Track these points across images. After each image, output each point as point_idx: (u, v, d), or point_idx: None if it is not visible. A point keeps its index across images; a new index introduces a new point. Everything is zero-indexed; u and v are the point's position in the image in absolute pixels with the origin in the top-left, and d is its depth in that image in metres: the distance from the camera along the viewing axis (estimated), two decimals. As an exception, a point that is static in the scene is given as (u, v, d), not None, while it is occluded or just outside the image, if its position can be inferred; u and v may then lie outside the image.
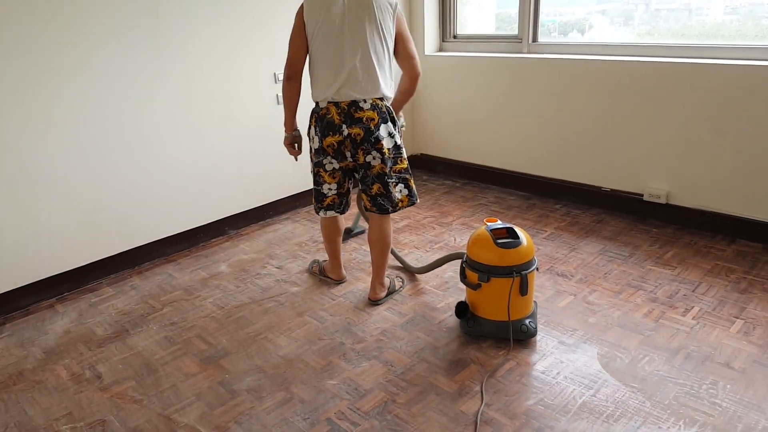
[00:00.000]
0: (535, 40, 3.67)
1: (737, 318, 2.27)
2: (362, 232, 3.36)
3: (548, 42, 3.61)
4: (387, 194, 2.36)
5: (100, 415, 1.99)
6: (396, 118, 2.35)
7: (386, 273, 2.68)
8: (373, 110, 2.24)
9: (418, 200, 2.61)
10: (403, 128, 2.54)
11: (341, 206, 2.50)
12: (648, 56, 3.10)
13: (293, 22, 2.25)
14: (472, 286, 2.22)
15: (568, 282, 2.65)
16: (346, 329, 2.40)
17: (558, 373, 2.04)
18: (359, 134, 2.24)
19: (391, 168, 2.35)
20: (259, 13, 3.25)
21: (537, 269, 2.26)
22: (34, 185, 2.62)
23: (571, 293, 2.56)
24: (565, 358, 2.12)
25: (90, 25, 2.63)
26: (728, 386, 1.91)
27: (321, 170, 2.37)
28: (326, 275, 2.79)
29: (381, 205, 2.39)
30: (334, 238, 2.65)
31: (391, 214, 2.45)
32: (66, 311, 2.69)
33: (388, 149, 2.31)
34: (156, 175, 3.04)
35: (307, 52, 2.25)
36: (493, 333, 2.24)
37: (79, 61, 2.64)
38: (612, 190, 3.36)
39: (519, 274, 2.13)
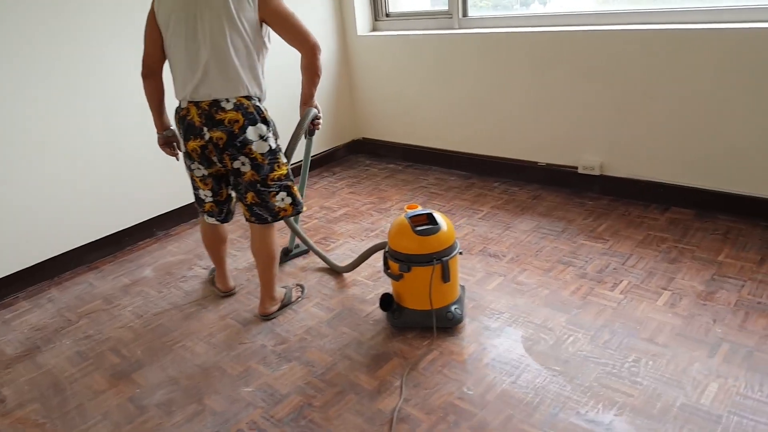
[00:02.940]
0: (465, 14, 3.55)
1: (665, 289, 2.23)
2: (305, 252, 2.87)
3: (478, 16, 3.50)
4: (263, 203, 2.14)
5: (-4, 444, 1.86)
6: (269, 119, 2.10)
7: (282, 284, 2.54)
8: (237, 111, 2.00)
9: (304, 208, 2.35)
10: (319, 120, 2.32)
11: (222, 215, 2.28)
12: (573, 25, 3.02)
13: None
14: (394, 277, 2.13)
15: (499, 262, 2.58)
16: (270, 330, 2.29)
17: (480, 360, 1.97)
18: (221, 138, 2.00)
19: (267, 176, 2.10)
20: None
21: (461, 253, 2.18)
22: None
23: (501, 274, 2.48)
24: (488, 344, 2.05)
25: None
26: (650, 363, 1.86)
27: (193, 175, 2.18)
28: (215, 285, 2.60)
29: (259, 215, 2.17)
30: (214, 245, 2.44)
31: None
32: (-26, 332, 2.52)
33: (261, 155, 2.06)
34: (75, 176, 2.86)
35: (163, 47, 2.04)
36: (419, 323, 2.16)
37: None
38: (548, 164, 3.29)
39: (439, 261, 2.05)
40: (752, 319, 2.00)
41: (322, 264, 2.76)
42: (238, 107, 2.01)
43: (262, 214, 2.18)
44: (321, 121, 2.35)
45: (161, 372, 2.12)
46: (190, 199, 3.37)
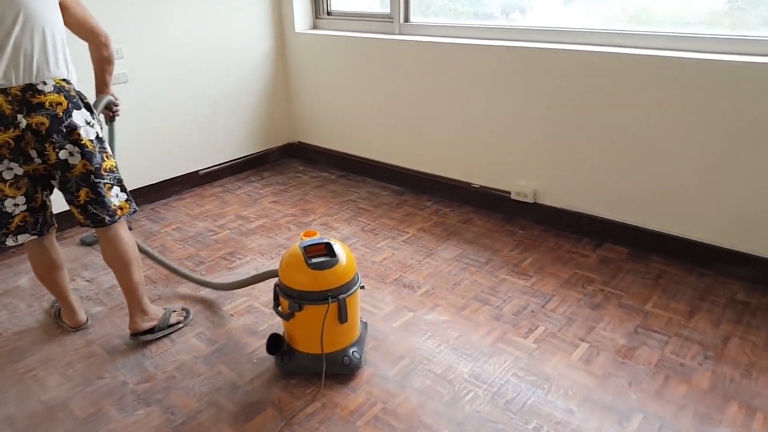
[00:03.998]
0: (407, 19, 3.30)
1: (582, 341, 2.01)
2: (95, 242, 2.79)
3: (421, 23, 3.25)
4: (99, 199, 1.87)
5: None
6: (91, 106, 1.89)
7: (168, 305, 2.27)
8: (59, 93, 1.76)
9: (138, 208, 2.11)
10: (118, 107, 2.16)
11: (38, 226, 1.91)
12: (518, 41, 2.80)
13: None
14: (283, 316, 1.85)
15: (411, 295, 2.33)
16: (137, 363, 1.99)
17: (364, 417, 1.71)
18: (43, 123, 1.73)
19: (99, 165, 1.86)
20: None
21: (362, 287, 1.93)
22: None
23: (412, 309, 2.24)
24: (379, 396, 1.79)
25: None
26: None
27: None
28: (62, 320, 2.22)
29: (95, 215, 1.88)
30: (49, 274, 2.05)
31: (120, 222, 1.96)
32: None
33: (90, 141, 1.82)
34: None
35: None
36: (312, 368, 1.87)
37: None
38: (482, 187, 3.07)
39: (335, 299, 1.78)
40: (672, 385, 1.80)
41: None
42: (59, 89, 1.77)
43: (99, 214, 1.88)
44: (119, 107, 2.18)
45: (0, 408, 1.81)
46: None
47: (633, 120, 2.44)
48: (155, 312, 2.11)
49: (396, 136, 3.39)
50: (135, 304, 2.05)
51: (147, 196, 3.29)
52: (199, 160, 3.51)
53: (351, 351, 1.89)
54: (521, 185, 2.88)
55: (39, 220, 1.91)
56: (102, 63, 1.98)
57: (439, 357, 1.96)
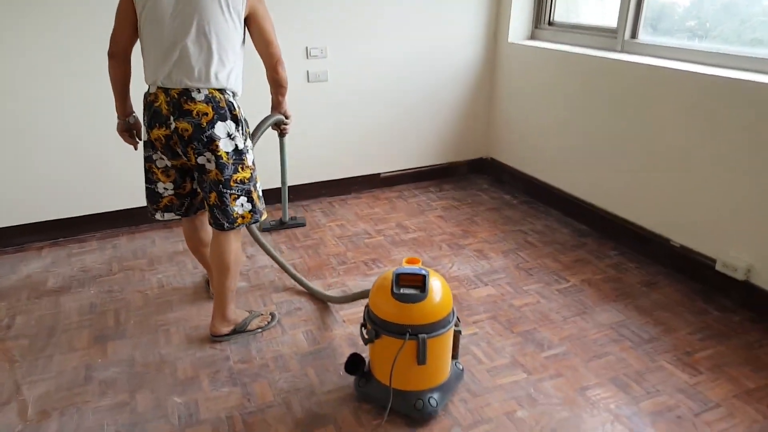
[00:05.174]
0: (633, 36, 2.83)
1: (740, 483, 1.44)
2: (302, 224, 3.10)
3: (650, 42, 2.74)
4: (223, 207, 1.94)
5: (-33, 366, 1.99)
6: (241, 118, 1.92)
7: (257, 308, 2.31)
8: (208, 104, 1.83)
9: (263, 217, 2.08)
10: (286, 126, 2.32)
11: (183, 208, 2.10)
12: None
13: None
14: (364, 339, 1.75)
15: (536, 355, 1.97)
16: (246, 343, 2.09)
17: (415, 477, 1.49)
18: (187, 130, 1.83)
19: (230, 177, 1.92)
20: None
21: (460, 332, 1.71)
22: (36, 138, 2.73)
23: (528, 370, 1.89)
24: (441, 459, 1.55)
25: None
26: None
27: (152, 166, 1.98)
28: (208, 288, 2.45)
29: (217, 219, 1.97)
30: (196, 248, 2.25)
31: (233, 230, 2.01)
32: (47, 256, 2.79)
33: (226, 153, 1.88)
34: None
35: (135, 28, 1.85)
36: (384, 400, 1.72)
37: None
38: (682, 246, 2.46)
39: (414, 337, 1.61)
40: None
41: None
42: (209, 100, 1.83)
43: (220, 219, 1.97)
44: (288, 126, 2.33)
45: (130, 349, 2.08)
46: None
47: None
48: (235, 318, 2.15)
49: (595, 168, 2.94)
50: (219, 308, 2.11)
51: (329, 189, 3.47)
52: (383, 163, 3.56)
53: (428, 396, 1.68)
54: (732, 256, 2.22)
55: (185, 204, 2.11)
56: (274, 84, 2.11)
57: (533, 437, 1.61)
